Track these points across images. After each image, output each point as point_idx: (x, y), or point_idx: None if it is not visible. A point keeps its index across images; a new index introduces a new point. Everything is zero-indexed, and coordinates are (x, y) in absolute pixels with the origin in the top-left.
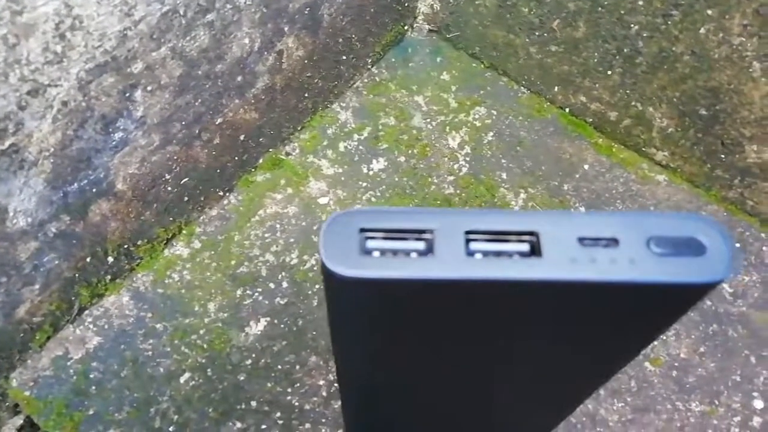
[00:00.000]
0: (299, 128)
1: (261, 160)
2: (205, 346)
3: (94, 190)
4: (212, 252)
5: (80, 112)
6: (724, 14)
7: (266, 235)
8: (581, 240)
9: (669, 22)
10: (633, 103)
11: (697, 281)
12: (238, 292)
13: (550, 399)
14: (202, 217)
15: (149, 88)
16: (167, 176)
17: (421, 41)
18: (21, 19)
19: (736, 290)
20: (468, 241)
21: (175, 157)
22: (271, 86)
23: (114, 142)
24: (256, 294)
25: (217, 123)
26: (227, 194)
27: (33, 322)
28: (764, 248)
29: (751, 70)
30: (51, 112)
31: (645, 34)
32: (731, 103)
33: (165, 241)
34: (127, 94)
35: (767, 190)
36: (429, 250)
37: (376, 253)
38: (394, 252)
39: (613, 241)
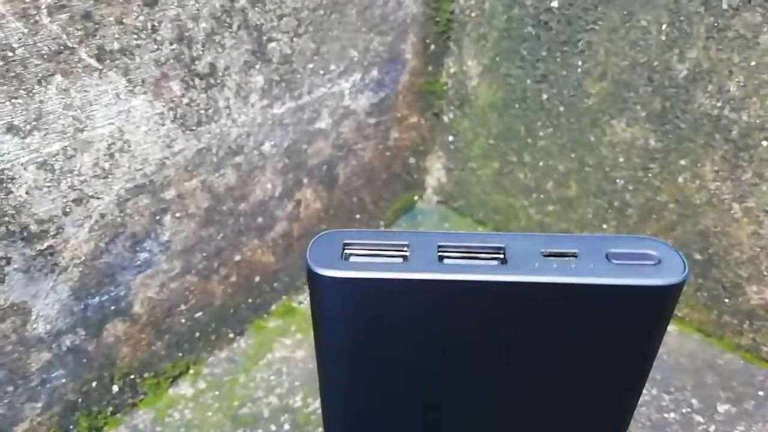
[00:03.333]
0: None
1: (274, 307)
2: None
3: (112, 307)
4: (216, 392)
5: (114, 227)
6: (696, 162)
7: (272, 377)
8: (544, 253)
9: (650, 175)
10: None
11: (655, 283)
12: None
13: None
14: (210, 359)
15: (178, 215)
16: (183, 307)
17: (430, 210)
18: (81, 135)
19: None
20: (441, 254)
21: (193, 288)
22: (288, 232)
23: (139, 262)
24: None
25: (235, 260)
26: (238, 337)
27: None
28: None
29: (732, 211)
30: (89, 222)
31: (630, 188)
32: (721, 245)
33: (171, 379)
34: (158, 217)
35: None
36: (404, 259)
37: (357, 260)
38: (373, 260)
39: (574, 255)
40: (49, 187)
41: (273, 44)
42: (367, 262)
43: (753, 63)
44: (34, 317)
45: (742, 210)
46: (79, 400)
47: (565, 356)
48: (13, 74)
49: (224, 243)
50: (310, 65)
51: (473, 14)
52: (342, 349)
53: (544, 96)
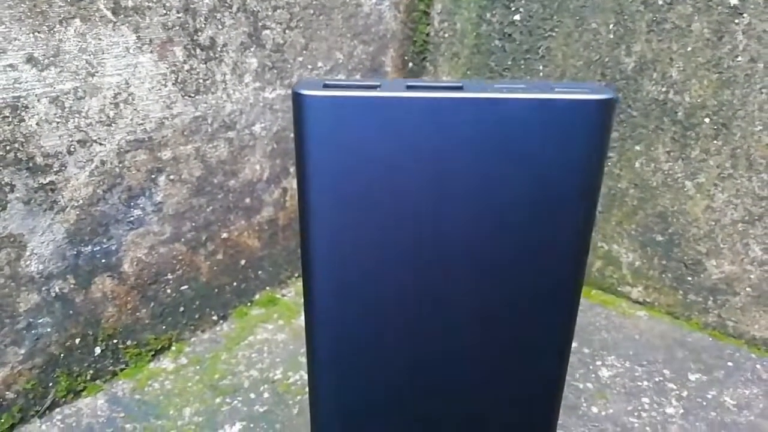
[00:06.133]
0: (297, 275)
1: (258, 296)
2: None
3: (103, 260)
4: (197, 367)
5: (113, 177)
6: (650, 147)
7: (253, 355)
8: (495, 86)
9: (609, 163)
10: (599, 244)
11: (589, 98)
12: (217, 400)
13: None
14: (193, 338)
15: (172, 177)
16: (170, 276)
17: None
18: (92, 80)
19: (739, 402)
20: (408, 88)
21: (180, 258)
22: (274, 219)
23: (132, 218)
24: (236, 402)
25: (222, 237)
26: (221, 321)
27: (5, 398)
28: (758, 366)
29: (685, 189)
30: (90, 166)
31: None
32: (680, 224)
33: (153, 352)
34: (153, 176)
35: (739, 305)
36: (376, 90)
37: (335, 88)
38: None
39: (522, 88)
40: (57, 122)
41: (267, 32)
42: (345, 88)
43: (689, 49)
44: (28, 253)
45: (695, 186)
46: (62, 355)
47: (520, 174)
48: (39, 11)
49: (213, 216)
50: (300, 58)
51: (446, 35)
52: (323, 171)
53: None
